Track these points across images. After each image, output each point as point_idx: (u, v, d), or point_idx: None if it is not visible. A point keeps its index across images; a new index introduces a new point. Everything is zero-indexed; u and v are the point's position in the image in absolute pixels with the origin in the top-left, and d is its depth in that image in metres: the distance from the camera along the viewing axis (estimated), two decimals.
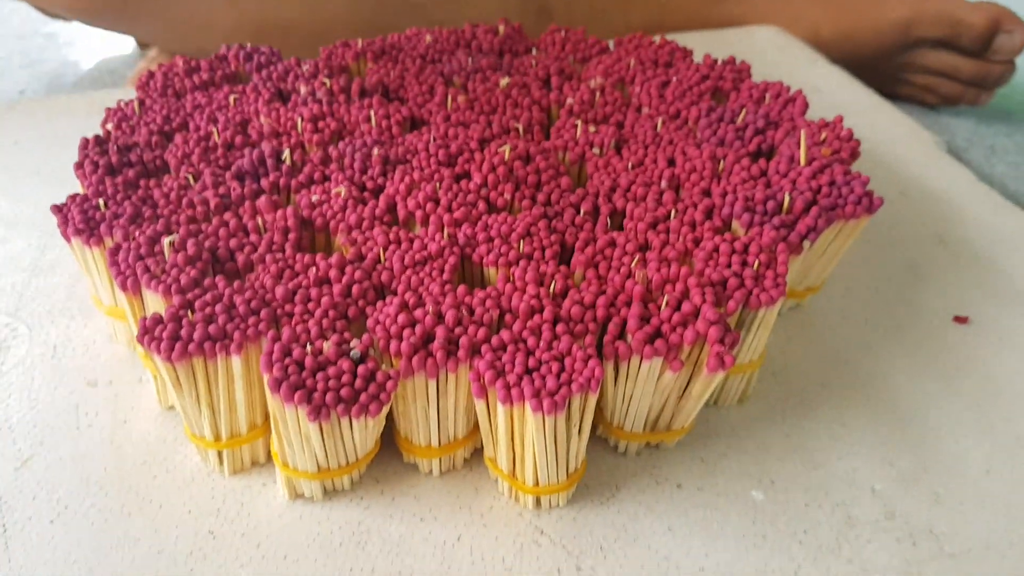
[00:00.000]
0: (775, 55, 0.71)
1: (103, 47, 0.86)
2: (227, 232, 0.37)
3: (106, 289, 0.39)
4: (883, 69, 0.81)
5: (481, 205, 0.40)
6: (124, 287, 0.35)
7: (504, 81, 0.48)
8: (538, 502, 0.34)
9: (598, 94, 0.48)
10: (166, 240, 0.35)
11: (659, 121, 0.46)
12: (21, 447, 0.35)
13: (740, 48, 0.72)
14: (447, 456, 0.35)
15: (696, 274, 0.35)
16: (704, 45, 0.72)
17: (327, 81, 0.47)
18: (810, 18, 0.80)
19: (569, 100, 0.47)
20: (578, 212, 0.40)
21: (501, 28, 0.54)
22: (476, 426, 0.35)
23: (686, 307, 0.34)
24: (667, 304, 0.34)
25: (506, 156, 0.42)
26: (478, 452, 0.36)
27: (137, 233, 0.36)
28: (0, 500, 0.33)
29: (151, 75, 0.48)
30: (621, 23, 0.79)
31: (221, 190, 0.39)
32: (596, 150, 0.44)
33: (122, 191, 0.39)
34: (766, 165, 0.43)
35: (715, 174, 0.42)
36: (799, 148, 0.44)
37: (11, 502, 0.33)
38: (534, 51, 0.55)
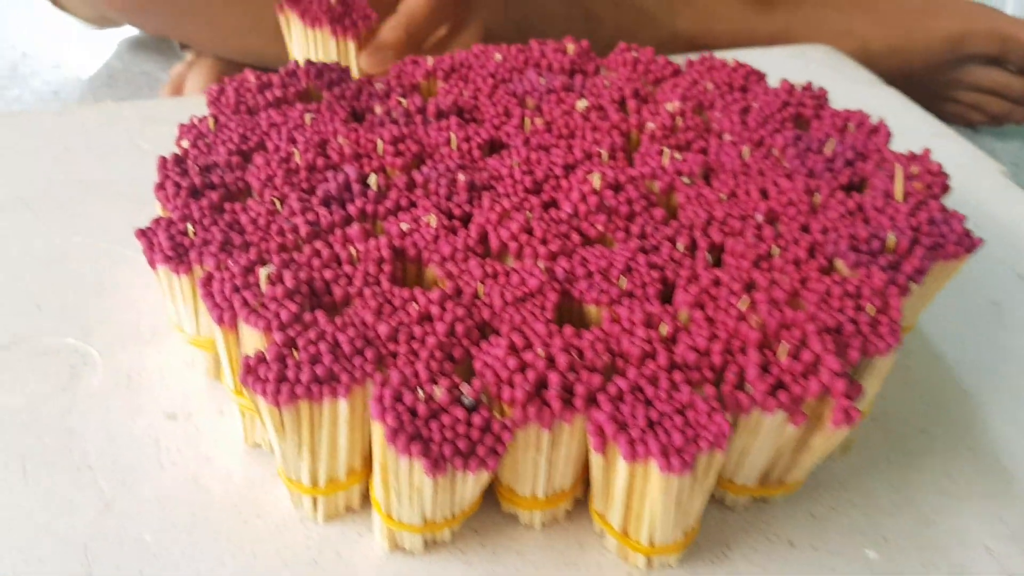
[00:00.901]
0: (829, 76, 0.70)
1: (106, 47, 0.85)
2: (320, 262, 0.36)
3: (191, 317, 0.37)
4: (930, 86, 0.81)
5: (575, 236, 0.38)
6: (220, 321, 0.33)
7: (582, 103, 0.47)
8: (650, 562, 0.33)
9: (679, 119, 0.47)
10: (263, 271, 0.34)
11: (745, 149, 0.45)
12: (103, 487, 0.34)
13: (792, 68, 0.71)
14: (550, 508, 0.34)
15: (811, 317, 0.34)
16: (755, 64, 0.71)
17: (403, 101, 0.46)
18: (860, 31, 0.80)
19: (650, 125, 0.46)
20: (675, 246, 0.38)
21: (570, 47, 0.53)
22: (582, 476, 0.34)
23: (806, 355, 0.33)
24: (787, 352, 0.33)
25: (596, 184, 0.40)
26: (579, 502, 0.35)
27: (229, 262, 0.35)
28: (86, 547, 0.32)
29: (222, 90, 0.46)
30: (668, 31, 0.78)
31: (310, 216, 0.38)
32: (686, 179, 0.42)
33: (208, 215, 0.38)
34: (861, 199, 0.42)
35: (812, 208, 0.41)
36: (892, 182, 0.43)
37: (97, 550, 0.32)
38: (603, 71, 0.53)
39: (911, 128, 0.64)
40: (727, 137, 0.47)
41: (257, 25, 0.65)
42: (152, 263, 0.36)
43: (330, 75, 0.48)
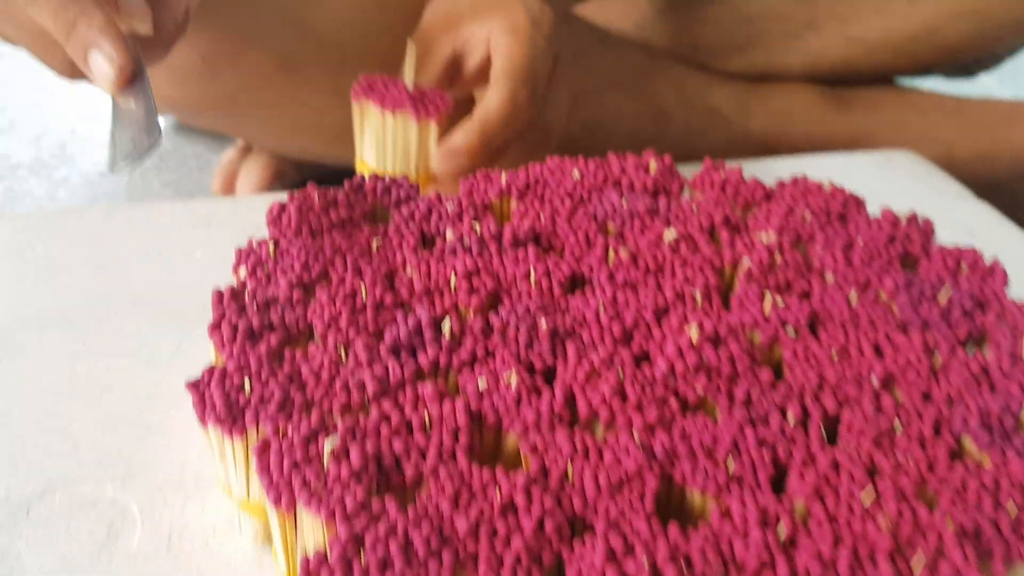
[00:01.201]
0: (916, 186, 0.66)
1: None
2: (389, 429, 0.32)
3: (241, 481, 0.33)
4: (1014, 193, 0.76)
5: (672, 401, 0.34)
6: (277, 502, 0.29)
7: (670, 234, 0.43)
8: None
9: (777, 255, 0.43)
10: (327, 445, 0.30)
11: (852, 294, 0.40)
12: None
13: (877, 176, 0.67)
14: None
15: (944, 514, 0.30)
16: (834, 170, 0.67)
17: (477, 226, 0.42)
18: (944, 137, 0.76)
19: (746, 261, 0.42)
20: (785, 417, 0.34)
21: (653, 164, 0.49)
22: None
23: (944, 568, 0.28)
24: (923, 564, 0.28)
25: (694, 337, 0.36)
26: None
27: (289, 427, 0.31)
28: None
29: (283, 208, 0.43)
30: (740, 131, 0.75)
31: (377, 369, 0.34)
32: (791, 330, 0.38)
33: (267, 365, 0.34)
34: (985, 360, 0.38)
35: (932, 370, 0.37)
36: (1019, 338, 0.38)
37: None
38: (687, 192, 0.50)
39: (1009, 248, 0.60)
40: (830, 278, 0.43)
41: (317, 125, 0.62)
42: (203, 420, 0.33)
43: (398, 191, 0.45)
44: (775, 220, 0.45)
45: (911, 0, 0.72)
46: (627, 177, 0.48)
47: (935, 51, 0.73)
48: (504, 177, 0.47)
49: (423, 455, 0.31)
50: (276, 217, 0.43)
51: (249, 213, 0.54)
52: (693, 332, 0.36)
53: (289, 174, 0.69)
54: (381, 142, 0.52)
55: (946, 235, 0.59)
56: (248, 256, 0.40)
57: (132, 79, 0.41)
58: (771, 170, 0.67)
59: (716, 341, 0.37)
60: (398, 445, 0.31)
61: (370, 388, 0.33)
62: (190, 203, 0.56)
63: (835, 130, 0.75)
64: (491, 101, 0.50)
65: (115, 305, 0.47)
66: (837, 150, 0.76)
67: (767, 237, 0.44)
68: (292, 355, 0.35)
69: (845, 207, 0.48)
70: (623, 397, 0.34)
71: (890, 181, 0.66)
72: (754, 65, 0.76)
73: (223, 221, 0.54)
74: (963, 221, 0.62)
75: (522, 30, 0.51)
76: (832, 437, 0.34)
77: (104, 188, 0.72)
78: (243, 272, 0.39)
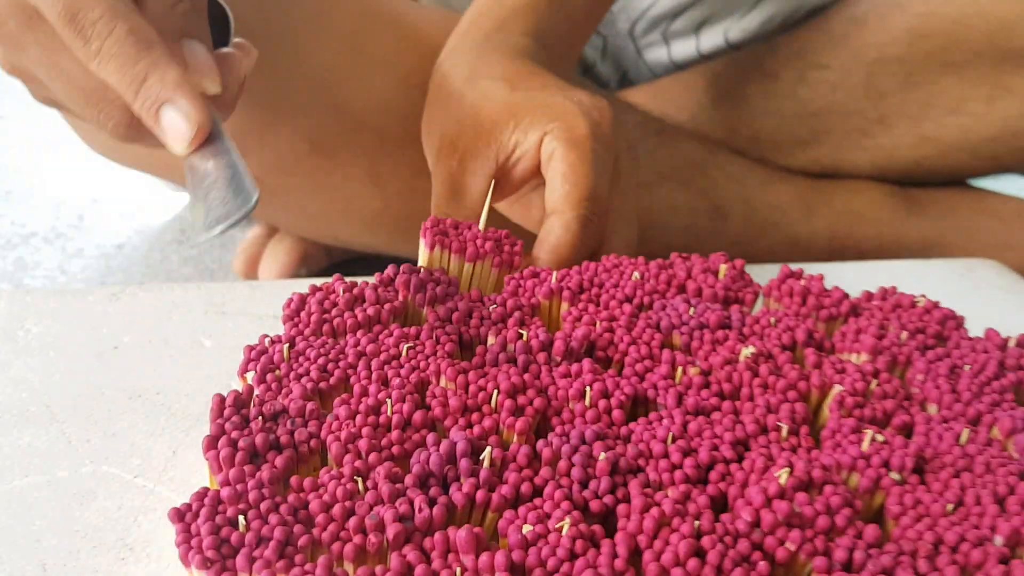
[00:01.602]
0: (1001, 298, 0.59)
1: None
2: None
3: None
4: None
5: (761, 564, 0.28)
6: None
7: (747, 351, 0.37)
8: None
9: (873, 382, 0.36)
10: None
11: (964, 433, 0.34)
12: None
13: (959, 286, 0.60)
14: None
15: None
16: (909, 278, 0.61)
17: (523, 333, 0.37)
18: (1023, 245, 0.70)
19: (838, 388, 0.36)
20: None
21: (723, 269, 0.43)
22: None
23: None
24: None
25: (783, 482, 0.30)
26: None
27: None
28: None
29: (303, 302, 0.38)
30: (804, 231, 0.69)
31: (401, 506, 0.28)
32: (895, 475, 0.32)
33: (268, 495, 0.28)
34: None
35: None
36: None
37: None
38: (761, 301, 0.44)
39: None
40: (933, 410, 0.37)
41: (347, 211, 0.57)
42: (186, 561, 0.27)
43: (434, 289, 0.40)
44: (867, 340, 0.39)
45: (989, 100, 0.67)
46: (694, 283, 0.43)
47: (1015, 152, 0.68)
48: (555, 276, 0.42)
49: None
50: (294, 312, 0.37)
51: (268, 301, 0.49)
52: (783, 476, 0.30)
53: (317, 258, 0.64)
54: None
55: None
56: (258, 356, 0.34)
57: (209, 137, 0.37)
58: (839, 276, 0.61)
59: (809, 486, 0.31)
60: None
61: (390, 531, 0.27)
62: (204, 287, 0.51)
63: (906, 233, 0.69)
64: (556, 233, 0.44)
65: (109, 400, 0.42)
66: (907, 255, 0.70)
67: (857, 357, 0.38)
68: (299, 483, 0.29)
69: (943, 326, 0.42)
70: (700, 555, 0.28)
71: (972, 292, 0.60)
72: (818, 162, 0.71)
73: (240, 308, 0.49)
74: None
75: (582, 141, 0.46)
76: None
77: (119, 262, 0.68)
78: (250, 377, 0.33)
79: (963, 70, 0.67)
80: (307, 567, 0.26)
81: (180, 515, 0.27)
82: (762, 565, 0.28)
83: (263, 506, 0.28)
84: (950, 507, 0.31)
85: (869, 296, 0.44)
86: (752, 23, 0.71)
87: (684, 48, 0.73)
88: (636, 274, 0.43)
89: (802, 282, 0.43)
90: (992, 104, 0.67)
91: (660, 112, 0.72)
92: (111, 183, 0.79)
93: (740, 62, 0.72)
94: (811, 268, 0.59)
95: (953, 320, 0.42)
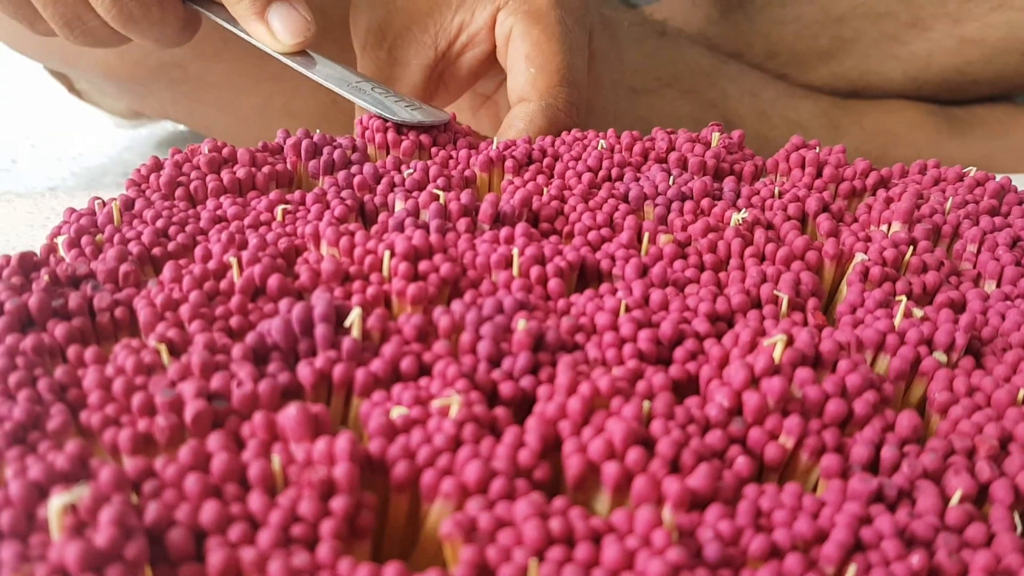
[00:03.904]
0: None
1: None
2: (204, 484, 0.17)
3: None
4: None
5: (738, 462, 0.19)
6: None
7: (739, 216, 0.28)
8: None
9: (909, 251, 0.27)
10: (56, 501, 0.15)
11: None
12: None
13: None
14: None
15: None
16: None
17: (441, 194, 0.28)
18: None
19: (860, 257, 0.27)
20: (946, 505, 0.18)
21: (716, 136, 0.34)
22: None
23: None
24: None
25: (777, 356, 0.21)
26: None
27: (17, 466, 0.17)
28: None
29: (157, 166, 0.29)
30: None
31: (217, 381, 0.19)
32: (939, 355, 0.23)
33: (21, 364, 0.20)
34: None
35: None
36: None
37: None
38: (765, 177, 0.35)
39: None
40: (989, 285, 0.27)
41: (287, 108, 0.49)
42: None
43: (331, 154, 0.31)
44: (902, 207, 0.29)
45: None
46: (678, 153, 0.34)
47: None
48: (496, 144, 0.33)
49: (250, 536, 0.16)
50: (143, 177, 0.29)
51: None
52: (779, 346, 0.21)
53: None
54: None
55: None
56: (74, 220, 0.26)
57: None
58: None
59: (815, 363, 0.22)
60: (211, 511, 0.16)
61: (189, 410, 0.18)
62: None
63: (948, 156, 0.59)
64: (517, 127, 0.36)
65: None
66: None
67: (894, 228, 0.29)
68: (78, 355, 0.20)
69: (1000, 199, 0.32)
70: (648, 449, 0.19)
71: None
72: (844, 76, 0.62)
73: None
74: None
75: (546, 11, 0.37)
76: None
77: (51, 202, 0.60)
78: (61, 240, 0.25)
79: None
80: (48, 455, 0.17)
81: None
82: (740, 461, 0.19)
83: (12, 379, 0.19)
84: (1022, 395, 0.21)
85: (904, 171, 0.34)
86: None
87: None
88: (601, 143, 0.34)
89: (816, 151, 0.34)
90: None
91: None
92: (50, 125, 0.72)
93: None
94: None
95: (1014, 194, 0.32)
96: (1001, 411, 0.21)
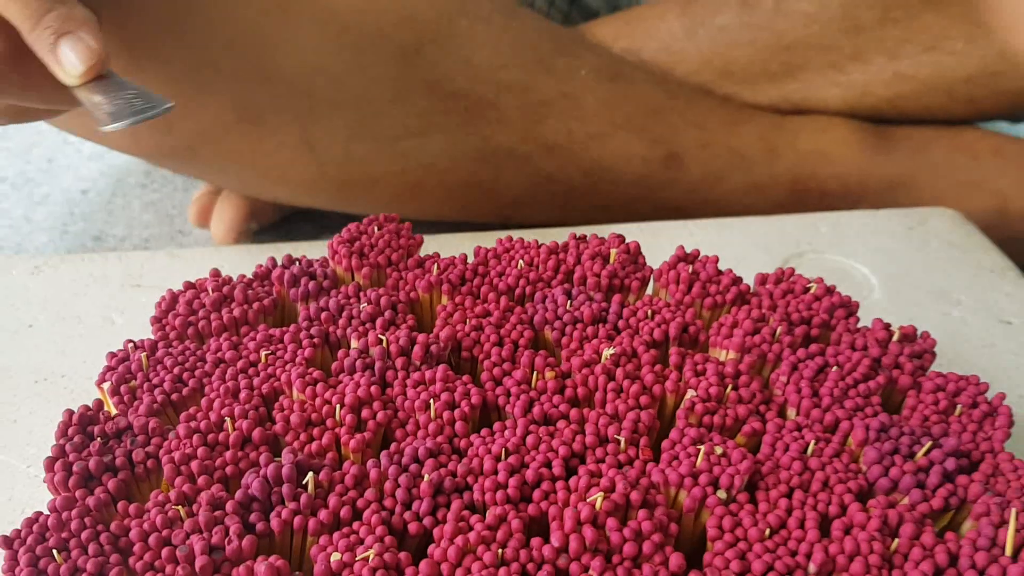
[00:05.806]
0: (952, 257, 0.58)
1: None
2: None
3: None
4: None
5: None
6: None
7: (608, 352, 0.37)
8: None
9: (730, 385, 0.36)
10: None
11: (810, 444, 0.34)
12: None
13: (906, 242, 0.59)
14: None
15: None
16: (860, 231, 0.60)
17: (383, 339, 0.37)
18: (998, 187, 0.67)
19: (691, 393, 0.36)
20: None
21: (613, 254, 0.43)
22: None
23: None
24: None
25: (597, 506, 0.31)
26: None
27: None
28: None
29: (173, 301, 0.39)
30: (766, 174, 0.67)
31: (216, 536, 0.30)
32: (721, 493, 0.32)
33: (89, 522, 0.30)
34: (956, 547, 0.31)
35: (886, 559, 0.31)
36: (1002, 525, 0.32)
37: None
38: (650, 288, 0.43)
39: None
40: (791, 416, 0.37)
41: (284, 176, 0.57)
42: None
43: (307, 285, 0.40)
44: (736, 337, 0.39)
45: (969, 38, 0.63)
46: (582, 269, 0.43)
47: (992, 96, 0.64)
48: (436, 269, 0.42)
49: None
50: (163, 313, 0.38)
51: (187, 271, 0.50)
52: (598, 501, 0.31)
53: (266, 212, 0.64)
54: None
55: (977, 323, 0.51)
56: (117, 365, 0.36)
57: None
58: (786, 230, 0.60)
59: (625, 512, 0.31)
60: None
61: (198, 563, 0.29)
62: (125, 256, 0.52)
63: (872, 173, 0.67)
64: None
65: (15, 383, 0.44)
66: (872, 196, 0.68)
67: (725, 358, 0.38)
68: (125, 509, 0.31)
69: (831, 315, 0.41)
70: None
71: (920, 248, 0.58)
72: (788, 99, 0.69)
73: (156, 280, 0.50)
74: (999, 303, 0.54)
75: None
76: None
77: (82, 209, 0.69)
78: (107, 387, 0.35)
79: (943, 6, 0.63)
80: None
81: (8, 542, 0.29)
82: None
83: (84, 535, 0.29)
84: (768, 530, 0.31)
85: (763, 279, 0.43)
86: None
87: None
88: (521, 262, 0.42)
89: (689, 268, 0.42)
90: (972, 43, 0.63)
91: (629, 42, 0.70)
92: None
93: None
94: (760, 223, 0.59)
95: (843, 309, 0.41)
96: (751, 545, 0.31)
